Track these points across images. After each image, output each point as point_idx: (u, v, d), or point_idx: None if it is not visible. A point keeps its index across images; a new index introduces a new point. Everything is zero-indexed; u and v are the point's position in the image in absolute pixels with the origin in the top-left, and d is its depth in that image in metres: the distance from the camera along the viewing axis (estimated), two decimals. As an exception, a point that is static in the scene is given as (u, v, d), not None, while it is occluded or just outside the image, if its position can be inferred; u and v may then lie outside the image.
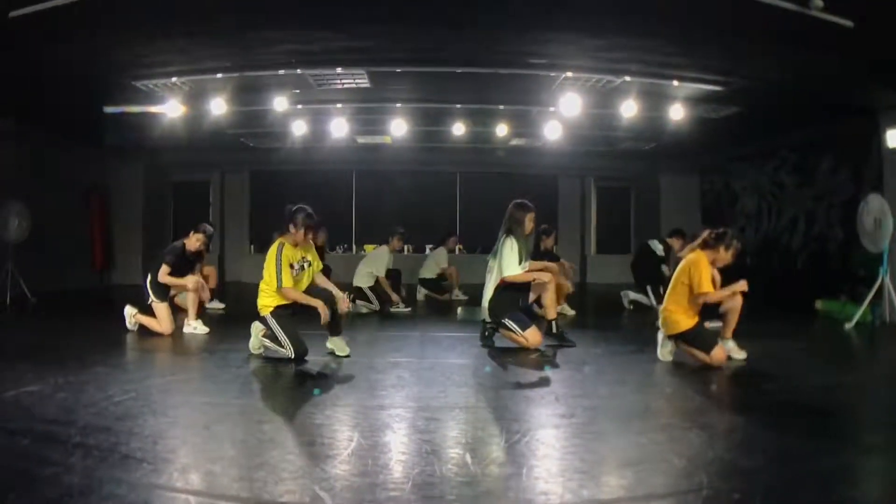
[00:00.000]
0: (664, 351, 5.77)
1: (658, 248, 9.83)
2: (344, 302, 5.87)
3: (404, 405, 4.40)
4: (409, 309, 9.51)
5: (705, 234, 5.93)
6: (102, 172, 13.02)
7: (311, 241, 5.99)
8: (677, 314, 5.59)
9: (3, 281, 9.61)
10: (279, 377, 5.26)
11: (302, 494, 2.79)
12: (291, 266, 5.72)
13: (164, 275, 7.15)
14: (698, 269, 5.52)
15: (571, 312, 9.17)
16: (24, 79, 7.55)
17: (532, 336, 6.20)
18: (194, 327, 7.16)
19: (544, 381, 5.15)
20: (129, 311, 7.25)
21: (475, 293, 10.84)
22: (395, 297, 9.46)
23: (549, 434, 3.80)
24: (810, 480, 3.03)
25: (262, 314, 5.77)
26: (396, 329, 7.88)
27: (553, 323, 6.46)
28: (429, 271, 11.12)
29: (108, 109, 8.83)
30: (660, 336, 5.82)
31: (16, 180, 9.89)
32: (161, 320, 7.09)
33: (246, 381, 5.12)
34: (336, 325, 5.93)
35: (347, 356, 5.86)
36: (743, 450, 3.53)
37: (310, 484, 2.90)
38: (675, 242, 9.44)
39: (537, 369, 5.62)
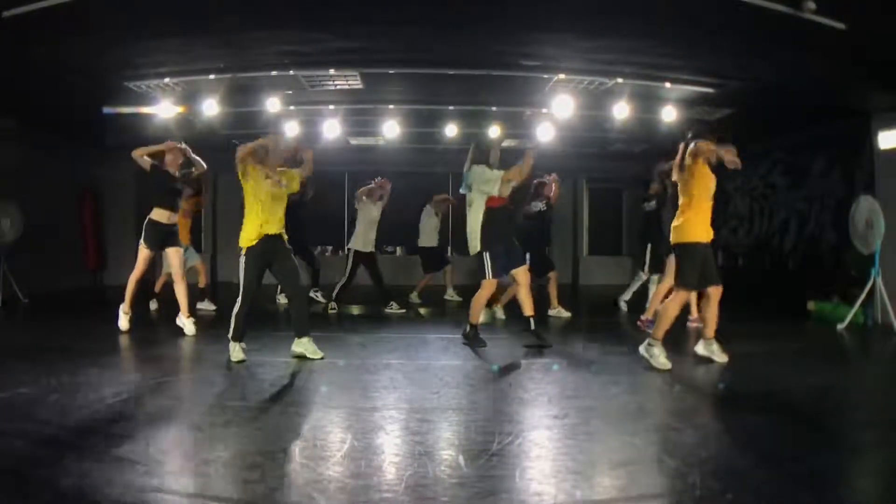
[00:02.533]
0: (661, 359, 5.57)
1: (651, 205, 9.12)
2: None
3: (397, 406, 4.40)
4: (403, 310, 9.50)
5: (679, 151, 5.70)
6: (95, 173, 12.93)
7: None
8: (686, 220, 5.56)
9: (-5, 282, 9.56)
10: (271, 379, 5.24)
11: (295, 496, 2.79)
12: (268, 177, 5.83)
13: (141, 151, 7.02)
14: (702, 148, 5.43)
15: (567, 314, 9.15)
16: (15, 79, 7.51)
17: (490, 284, 6.54)
18: (183, 323, 7.11)
19: (537, 382, 5.16)
20: (122, 315, 7.16)
21: (470, 295, 10.81)
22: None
23: (543, 435, 3.81)
24: (803, 480, 3.04)
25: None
26: (389, 330, 7.87)
27: (531, 320, 6.55)
28: (426, 237, 10.81)
29: (107, 110, 8.80)
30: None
31: (7, 181, 9.83)
32: (138, 263, 7.12)
33: (238, 383, 5.11)
34: (302, 325, 5.83)
35: (322, 359, 5.76)
36: (735, 450, 3.55)
37: (303, 486, 2.90)
38: (654, 188, 8.84)
39: (531, 370, 5.63)
